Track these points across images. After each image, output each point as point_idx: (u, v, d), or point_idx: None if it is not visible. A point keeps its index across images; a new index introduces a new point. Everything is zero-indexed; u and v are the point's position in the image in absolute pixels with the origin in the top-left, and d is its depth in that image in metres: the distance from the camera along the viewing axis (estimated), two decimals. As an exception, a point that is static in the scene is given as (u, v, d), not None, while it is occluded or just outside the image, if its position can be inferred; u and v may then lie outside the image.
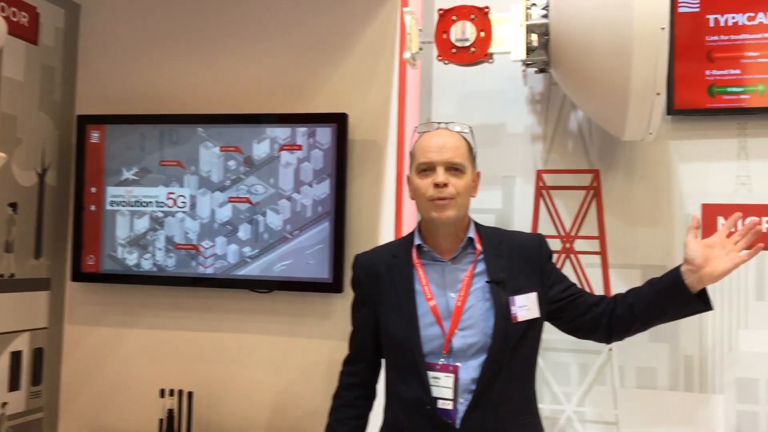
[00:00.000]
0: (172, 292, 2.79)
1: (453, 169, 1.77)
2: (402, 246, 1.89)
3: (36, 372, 2.79)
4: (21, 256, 2.70)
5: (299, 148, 2.65)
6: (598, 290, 2.48)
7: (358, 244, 2.57)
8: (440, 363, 1.73)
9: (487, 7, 2.28)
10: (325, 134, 2.62)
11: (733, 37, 2.40)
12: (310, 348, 2.67)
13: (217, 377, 2.74)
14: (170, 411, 2.62)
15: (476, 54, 2.28)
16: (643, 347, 2.45)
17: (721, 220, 2.43)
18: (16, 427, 2.69)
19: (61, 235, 2.89)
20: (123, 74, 2.91)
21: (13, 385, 2.68)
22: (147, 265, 2.75)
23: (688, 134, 2.47)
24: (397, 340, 1.78)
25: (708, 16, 2.42)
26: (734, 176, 2.44)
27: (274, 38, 2.78)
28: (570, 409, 2.48)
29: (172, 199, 2.74)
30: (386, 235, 2.60)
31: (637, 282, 2.46)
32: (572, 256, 2.51)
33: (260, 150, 2.67)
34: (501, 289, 1.76)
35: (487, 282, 1.78)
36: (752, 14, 2.39)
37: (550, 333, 2.56)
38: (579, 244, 2.52)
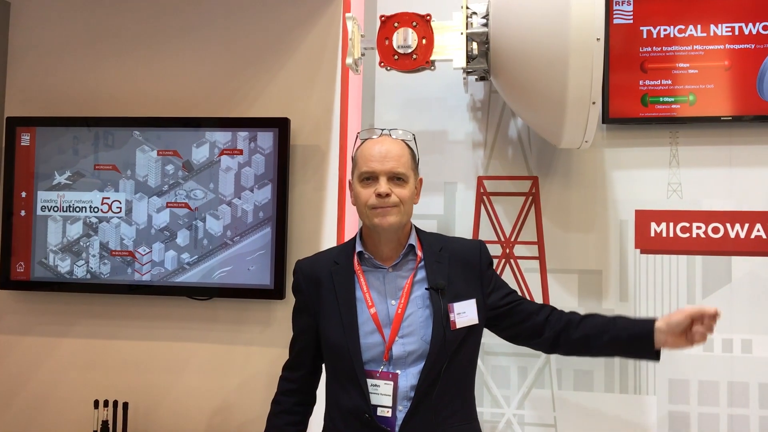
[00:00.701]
0: (107, 299, 2.71)
1: (396, 178, 1.77)
2: (343, 252, 1.88)
3: (-39, 385, 2.67)
4: (-56, 263, 2.58)
5: (240, 152, 2.61)
6: (537, 295, 2.52)
7: (299, 250, 2.55)
8: (380, 371, 1.73)
9: (428, 15, 2.30)
10: (266, 139, 2.59)
11: (665, 48, 2.48)
12: (251, 356, 2.63)
13: (153, 387, 2.67)
14: (105, 423, 2.54)
15: (418, 61, 2.30)
16: (580, 350, 2.50)
17: (654, 225, 2.51)
18: (-61, 442, 2.57)
19: (-12, 242, 2.77)
20: (55, 74, 2.81)
21: (-64, 398, 2.55)
22: (80, 273, 2.66)
23: (622, 142, 2.54)
24: (337, 347, 1.77)
25: (641, 28, 2.49)
26: (666, 183, 2.52)
27: (214, 40, 2.74)
28: (509, 413, 2.52)
29: (107, 204, 2.66)
30: (328, 240, 2.58)
31: (574, 287, 2.52)
32: (512, 261, 2.55)
33: (199, 154, 2.62)
34: (440, 296, 1.76)
35: (426, 289, 1.79)
36: (683, 26, 2.48)
37: (490, 337, 2.59)
38: (518, 250, 2.56)
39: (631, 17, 2.50)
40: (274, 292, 2.55)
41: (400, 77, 2.46)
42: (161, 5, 2.77)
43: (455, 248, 1.88)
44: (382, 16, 2.32)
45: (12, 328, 2.79)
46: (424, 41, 2.28)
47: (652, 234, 2.51)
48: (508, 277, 2.54)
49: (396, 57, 2.30)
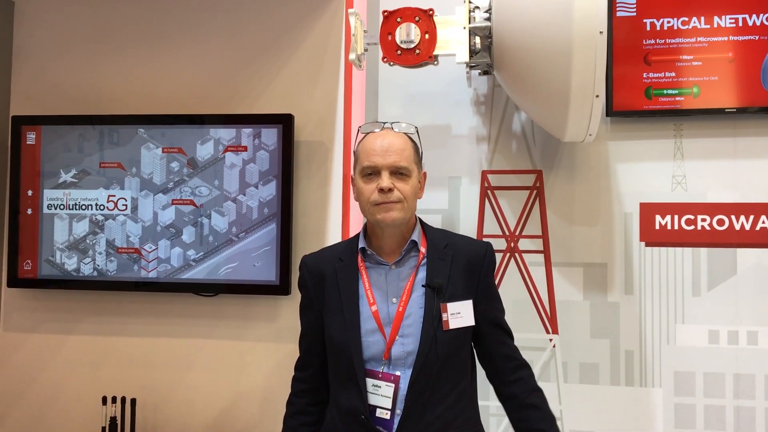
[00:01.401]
0: (113, 297, 2.72)
1: (398, 173, 1.72)
2: (348, 249, 1.84)
3: (-30, 382, 2.68)
4: (-48, 262, 2.60)
5: (245, 149, 2.61)
6: (542, 288, 2.52)
7: (305, 246, 2.56)
8: (381, 371, 1.69)
9: (431, 10, 2.30)
10: (270, 135, 2.60)
11: (668, 40, 2.48)
12: (257, 351, 2.64)
13: (160, 383, 2.69)
14: (113, 419, 2.55)
15: (421, 56, 2.30)
16: (585, 343, 2.51)
17: (658, 218, 2.51)
18: (-51, 440, 2.59)
19: (-5, 240, 2.79)
20: (60, 73, 2.82)
21: (-55, 396, 2.57)
22: (87, 270, 2.67)
23: (626, 135, 2.54)
24: (338, 345, 1.73)
25: (645, 20, 2.49)
26: (671, 176, 2.52)
27: (218, 38, 2.74)
28: (516, 406, 2.52)
29: (112, 201, 2.67)
30: (333, 236, 2.59)
31: (579, 280, 2.52)
32: (517, 255, 2.55)
33: (204, 151, 2.63)
34: (435, 295, 1.71)
35: (423, 286, 1.73)
36: (686, 18, 2.47)
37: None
38: (523, 243, 2.56)
39: (635, 9, 2.50)
40: (280, 288, 2.56)
41: (404, 72, 2.46)
42: (165, 3, 2.78)
43: (461, 246, 1.82)
44: (384, 12, 2.33)
45: (20, 326, 2.80)
46: (426, 36, 2.29)
47: (657, 227, 2.51)
48: (513, 271, 2.54)
49: (399, 52, 2.30)
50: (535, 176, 2.57)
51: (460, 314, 1.73)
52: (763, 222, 2.45)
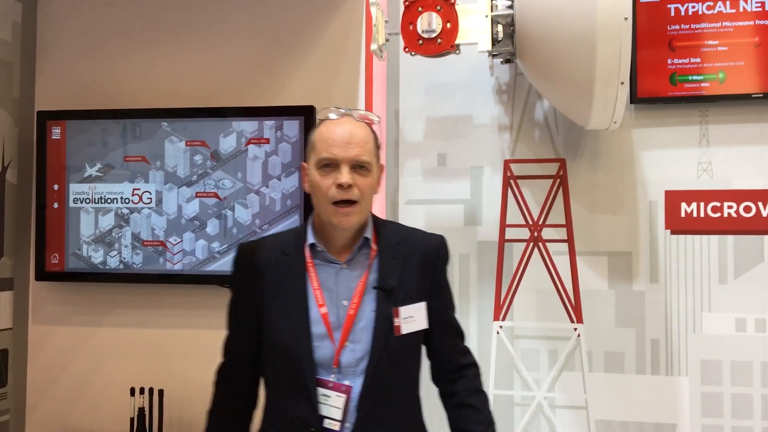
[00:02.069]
0: (139, 289, 2.75)
1: (359, 167, 1.57)
2: (293, 242, 1.66)
3: (1, 374, 2.73)
4: (-18, 256, 2.64)
5: (267, 141, 2.63)
6: (567, 278, 2.51)
7: (327, 237, 2.57)
8: (332, 380, 1.56)
9: (452, -2, 2.29)
10: (292, 127, 2.61)
11: (693, 26, 2.45)
12: (282, 342, 2.66)
13: (187, 374, 2.71)
14: (141, 410, 2.59)
15: (443, 45, 2.29)
16: (610, 332, 2.50)
17: (684, 206, 2.48)
18: (-18, 430, 2.64)
19: (23, 234, 2.83)
20: (83, 68, 2.85)
21: (-22, 388, 2.62)
22: (113, 263, 2.70)
23: (651, 122, 2.51)
24: (285, 350, 1.58)
25: (669, 6, 2.46)
26: (696, 163, 2.49)
27: (239, 31, 2.75)
28: (540, 395, 2.52)
29: (137, 195, 2.70)
30: (356, 227, 2.59)
31: (603, 269, 2.51)
32: (540, 244, 2.54)
33: (227, 144, 2.64)
34: (387, 298, 1.59)
35: (374, 288, 1.60)
36: (711, 3, 2.44)
37: (519, 320, 2.60)
38: (547, 233, 2.55)
39: (659, -5, 2.46)
40: (304, 279, 2.57)
41: (425, 62, 2.45)
42: (185, -4, 2.79)
43: (414, 242, 1.69)
44: (405, 1, 2.31)
45: (48, 319, 2.84)
46: (448, 25, 2.27)
47: (683, 214, 2.49)
48: (536, 260, 2.54)
49: (420, 42, 2.29)
50: (559, 165, 2.56)
51: (413, 318, 1.62)
52: (792, 208, 2.42)
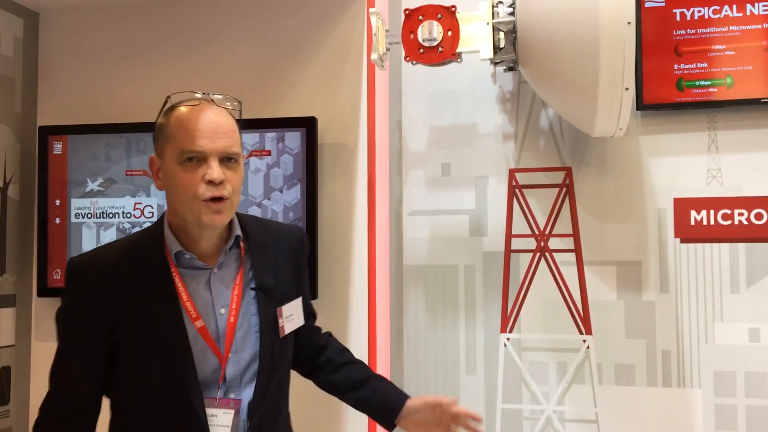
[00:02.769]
0: (142, 304, 2.72)
1: (227, 159, 1.42)
2: (146, 251, 1.46)
3: (3, 391, 2.71)
4: (-16, 272, 2.63)
5: (268, 153, 2.60)
6: (575, 289, 2.47)
7: (330, 250, 2.54)
8: (217, 397, 1.42)
9: (453, 6, 2.26)
10: (294, 139, 2.58)
11: (699, 30, 2.41)
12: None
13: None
14: (143, 426, 2.55)
15: (444, 53, 2.26)
16: (620, 344, 2.45)
17: (693, 213, 2.44)
18: (-16, 449, 2.62)
19: (25, 250, 2.81)
20: (85, 83, 2.84)
21: (-20, 406, 2.60)
22: (115, 278, 2.68)
23: (658, 129, 2.47)
24: (159, 376, 1.40)
25: (674, 10, 2.42)
26: (705, 170, 2.44)
27: (240, 43, 2.73)
28: (550, 409, 2.47)
29: (139, 209, 2.68)
30: (359, 238, 2.56)
31: (612, 279, 2.46)
32: (547, 254, 2.49)
33: (228, 156, 2.62)
34: (267, 299, 1.49)
35: (252, 289, 1.49)
36: (717, 7, 2.40)
37: (526, 332, 2.56)
38: (554, 243, 2.50)
39: (663, 0, 2.43)
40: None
41: (427, 71, 2.43)
42: (186, 12, 2.78)
43: (280, 235, 1.60)
44: (406, 10, 2.30)
45: (51, 335, 2.79)
46: (449, 33, 2.25)
47: (692, 222, 2.44)
48: (543, 271, 2.49)
49: (422, 50, 2.27)
50: (565, 173, 2.52)
51: (293, 316, 1.55)
52: (804, 215, 2.37)
